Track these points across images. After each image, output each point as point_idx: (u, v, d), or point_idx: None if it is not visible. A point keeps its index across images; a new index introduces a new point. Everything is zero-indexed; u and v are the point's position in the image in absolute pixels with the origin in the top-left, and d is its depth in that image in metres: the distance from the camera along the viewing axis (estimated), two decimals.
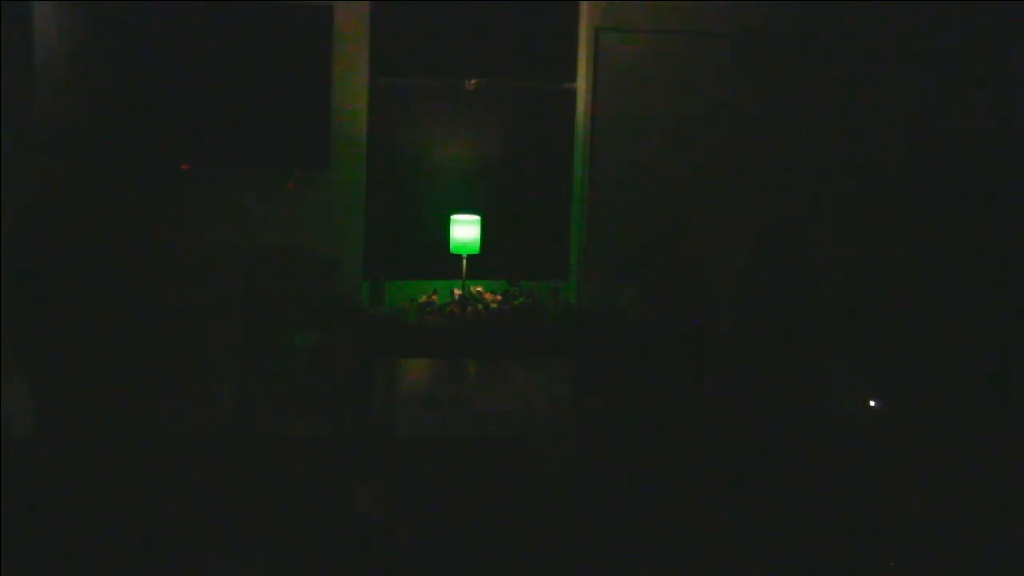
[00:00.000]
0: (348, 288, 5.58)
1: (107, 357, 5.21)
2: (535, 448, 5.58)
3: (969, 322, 5.84)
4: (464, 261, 5.51)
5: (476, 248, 5.50)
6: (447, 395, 5.75)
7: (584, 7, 5.74)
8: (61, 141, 5.29)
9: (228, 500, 4.71)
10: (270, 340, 5.38)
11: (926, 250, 5.95)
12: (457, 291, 5.46)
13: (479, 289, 5.48)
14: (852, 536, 4.45)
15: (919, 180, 5.96)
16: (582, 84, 5.81)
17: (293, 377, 5.41)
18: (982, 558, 4.31)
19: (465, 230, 5.47)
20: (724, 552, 4.35)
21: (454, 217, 5.52)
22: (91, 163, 5.35)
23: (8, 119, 5.14)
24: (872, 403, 5.50)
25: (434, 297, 5.44)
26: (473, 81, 5.75)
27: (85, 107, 5.31)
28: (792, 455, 5.14)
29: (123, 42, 5.29)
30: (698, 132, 5.83)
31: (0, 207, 5.09)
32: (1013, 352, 5.69)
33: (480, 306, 5.36)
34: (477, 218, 5.51)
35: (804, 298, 5.31)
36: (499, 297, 5.44)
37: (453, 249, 5.51)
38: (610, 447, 5.45)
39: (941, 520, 4.60)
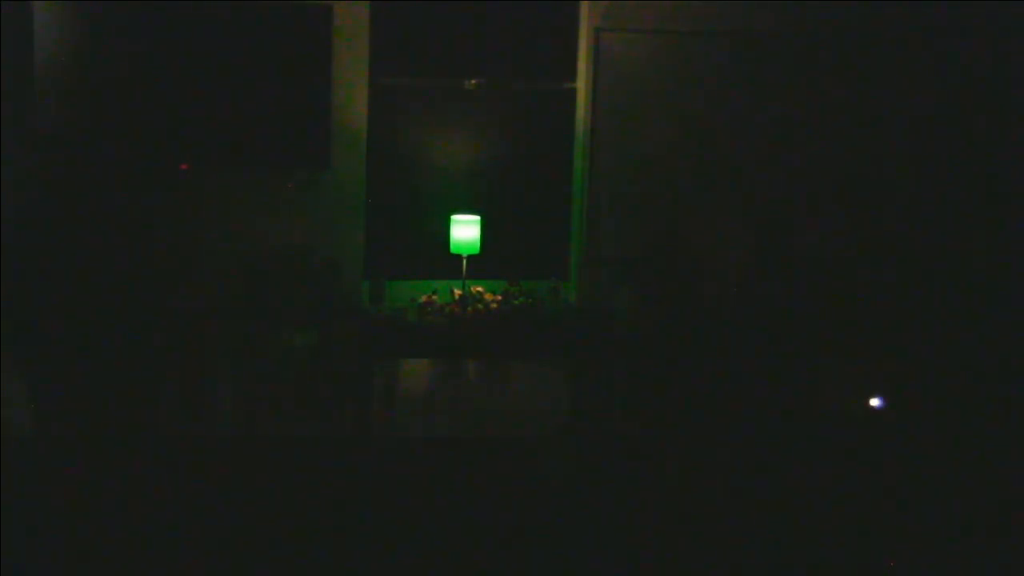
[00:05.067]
0: (348, 288, 5.58)
1: (106, 357, 5.21)
2: (535, 448, 5.58)
3: (969, 322, 5.83)
4: (464, 261, 5.51)
5: (476, 248, 5.50)
6: (447, 395, 5.75)
7: (584, 7, 5.74)
8: (61, 141, 5.29)
9: (227, 500, 4.71)
10: (270, 340, 5.38)
11: (927, 249, 5.95)
12: (457, 291, 5.46)
13: (479, 289, 5.48)
14: (852, 536, 4.45)
15: (920, 179, 5.96)
16: (582, 84, 5.81)
17: (293, 377, 5.40)
18: (982, 558, 4.31)
19: (465, 230, 5.47)
20: (724, 552, 4.35)
21: (454, 217, 5.52)
22: (91, 163, 5.35)
23: (8, 119, 5.14)
24: (873, 402, 5.50)
25: (434, 297, 5.44)
26: (473, 81, 5.75)
27: (85, 107, 5.31)
28: (791, 454, 5.14)
29: (123, 42, 5.29)
30: (698, 132, 5.83)
31: (0, 207, 5.09)
32: (1013, 352, 5.69)
33: (480, 306, 5.36)
34: (477, 218, 5.51)
35: (803, 297, 5.32)
36: (499, 297, 5.44)
37: (453, 249, 5.50)
38: (610, 447, 5.45)
39: (941, 519, 4.60)
